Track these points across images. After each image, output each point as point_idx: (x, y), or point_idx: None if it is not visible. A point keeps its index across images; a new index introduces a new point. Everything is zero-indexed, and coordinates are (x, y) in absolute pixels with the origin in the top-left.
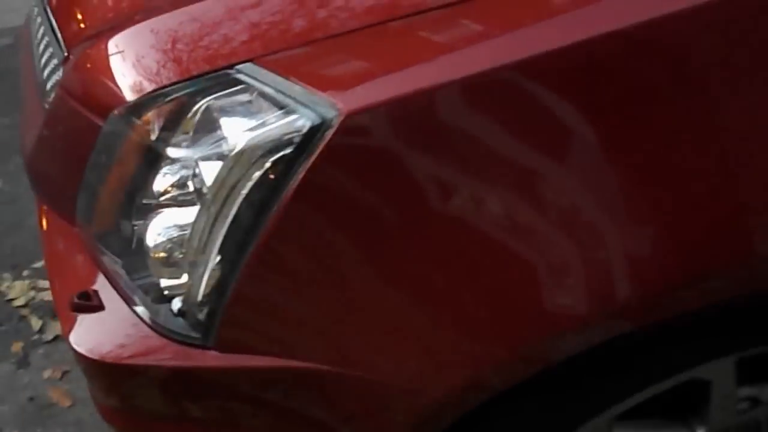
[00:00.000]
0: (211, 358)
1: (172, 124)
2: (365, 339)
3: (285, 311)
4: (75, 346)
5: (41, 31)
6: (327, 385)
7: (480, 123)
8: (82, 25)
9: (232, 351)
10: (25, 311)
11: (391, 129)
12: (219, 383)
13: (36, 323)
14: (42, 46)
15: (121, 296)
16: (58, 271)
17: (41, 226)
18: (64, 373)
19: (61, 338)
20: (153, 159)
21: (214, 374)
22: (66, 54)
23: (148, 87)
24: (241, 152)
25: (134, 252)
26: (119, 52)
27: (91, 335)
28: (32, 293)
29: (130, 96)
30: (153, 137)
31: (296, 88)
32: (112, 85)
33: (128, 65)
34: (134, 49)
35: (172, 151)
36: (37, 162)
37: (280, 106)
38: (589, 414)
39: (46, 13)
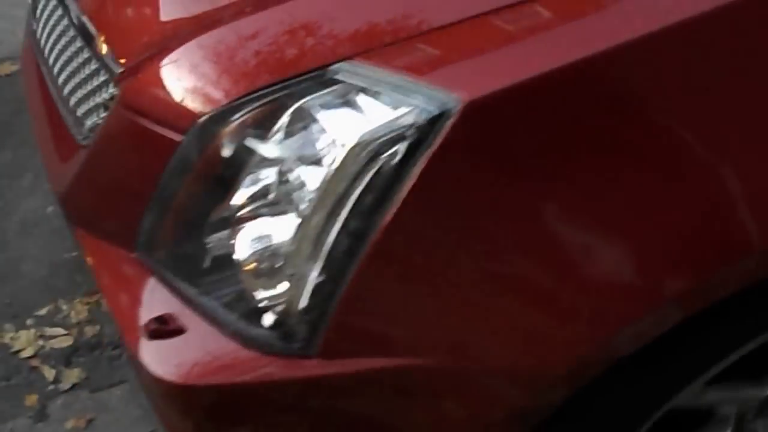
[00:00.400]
0: (316, 366)
1: (263, 129)
2: (481, 329)
3: (397, 311)
4: (161, 375)
5: (69, 51)
6: (434, 379)
7: (602, 103)
8: (142, 39)
9: (336, 357)
10: (35, 362)
11: (512, 115)
12: (321, 391)
13: (49, 373)
14: (70, 69)
15: (201, 316)
16: (119, 302)
17: (87, 259)
18: (89, 421)
19: (80, 386)
20: (241, 167)
21: (318, 382)
22: (122, 71)
23: (236, 93)
24: (352, 150)
25: (213, 268)
26: (200, 60)
27: (175, 360)
28: (40, 342)
29: (214, 104)
30: (242, 144)
31: (405, 81)
32: (192, 95)
33: (210, 72)
34: (217, 55)
35: (265, 155)
36: (82, 191)
37: (388, 101)
38: (689, 380)
39: (84, 31)
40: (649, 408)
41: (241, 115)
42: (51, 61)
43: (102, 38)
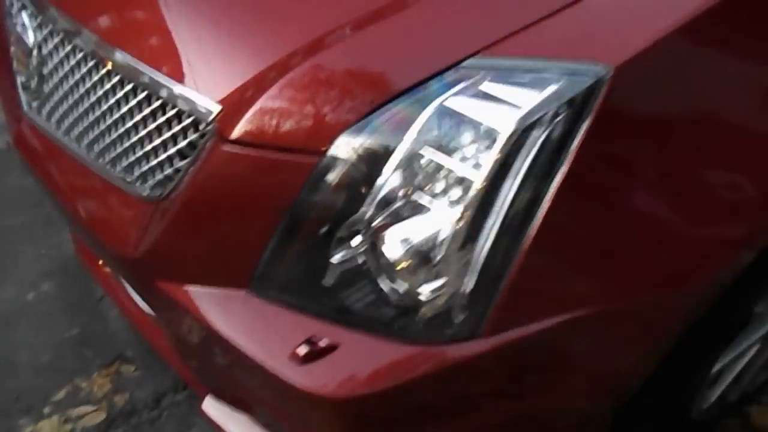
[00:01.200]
0: (487, 344)
1: (404, 132)
2: (643, 269)
3: (564, 272)
4: (332, 393)
5: (110, 120)
6: (598, 323)
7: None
8: (242, 73)
9: (506, 329)
10: None
11: (659, 70)
12: (493, 365)
13: None
14: (113, 136)
15: (347, 328)
16: (245, 339)
17: (180, 308)
18: None
19: None
20: (381, 172)
21: (490, 357)
22: (221, 110)
23: (374, 101)
24: (510, 137)
25: (350, 279)
26: (327, 77)
27: (342, 375)
28: (68, 426)
29: (353, 115)
30: (386, 148)
31: (543, 63)
32: (325, 113)
33: (342, 86)
34: (346, 68)
35: (412, 155)
36: (173, 243)
37: (530, 84)
38: None
39: (140, 88)
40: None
41: (382, 122)
42: (75, 135)
43: (178, 88)
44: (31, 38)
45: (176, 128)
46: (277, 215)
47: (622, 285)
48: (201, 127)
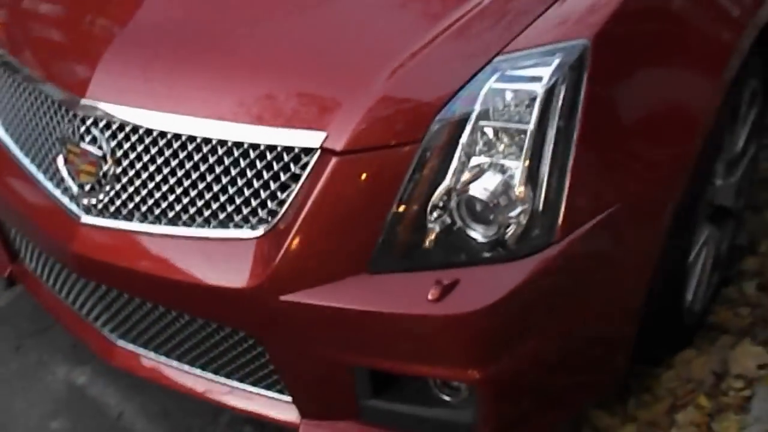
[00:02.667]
0: (563, 246)
1: (470, 110)
2: (643, 172)
3: (598, 182)
4: (473, 309)
5: (220, 167)
6: (624, 214)
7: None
8: (328, 103)
9: (571, 231)
10: None
11: (622, 31)
12: (564, 264)
13: None
14: (207, 200)
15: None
16: (385, 305)
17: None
18: None
19: None
20: (458, 143)
21: (566, 256)
22: (326, 135)
23: (450, 91)
24: (543, 96)
25: (445, 235)
26: (414, 83)
27: (479, 295)
28: None
29: (438, 105)
30: (464, 123)
31: (545, 49)
32: (418, 108)
33: (423, 87)
34: (425, 73)
35: (481, 127)
36: (297, 259)
37: (541, 63)
38: None
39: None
40: None
41: (457, 105)
42: (155, 216)
43: (277, 132)
44: (104, 146)
45: (277, 167)
46: (388, 202)
47: (635, 186)
48: (304, 157)
